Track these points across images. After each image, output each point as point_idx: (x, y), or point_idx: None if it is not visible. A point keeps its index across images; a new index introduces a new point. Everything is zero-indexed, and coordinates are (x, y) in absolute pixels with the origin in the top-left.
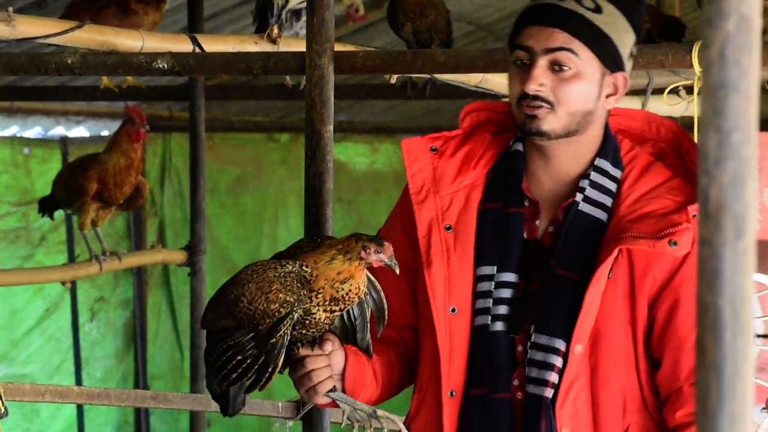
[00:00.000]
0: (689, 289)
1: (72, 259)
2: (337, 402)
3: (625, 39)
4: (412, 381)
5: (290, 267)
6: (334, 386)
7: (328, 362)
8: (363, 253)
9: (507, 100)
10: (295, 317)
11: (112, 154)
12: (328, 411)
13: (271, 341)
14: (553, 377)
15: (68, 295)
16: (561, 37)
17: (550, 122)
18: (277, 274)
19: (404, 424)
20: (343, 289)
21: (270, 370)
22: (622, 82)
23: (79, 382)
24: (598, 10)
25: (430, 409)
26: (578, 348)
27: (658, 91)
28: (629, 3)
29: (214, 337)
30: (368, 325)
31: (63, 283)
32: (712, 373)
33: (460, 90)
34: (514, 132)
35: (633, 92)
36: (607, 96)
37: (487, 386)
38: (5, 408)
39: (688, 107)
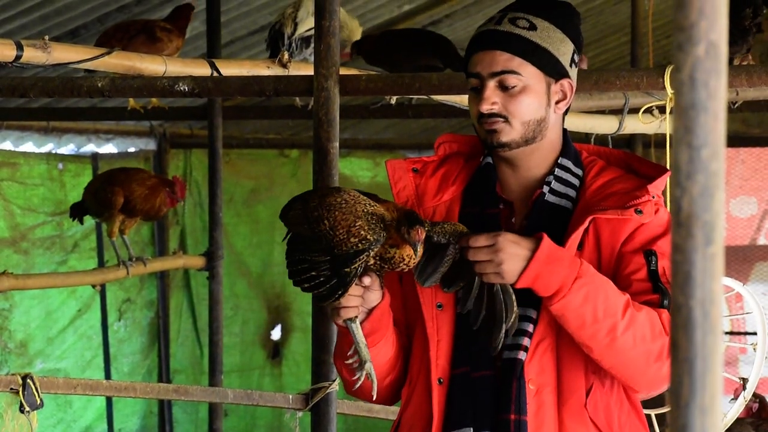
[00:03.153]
0: (636, 241)
1: (102, 264)
2: (349, 330)
3: (562, 49)
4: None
5: (378, 209)
6: (356, 317)
7: (360, 293)
8: (402, 228)
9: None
10: (371, 254)
11: (141, 198)
12: (334, 403)
13: (345, 270)
14: (526, 341)
15: (98, 296)
16: (502, 59)
17: (508, 134)
18: (365, 211)
19: (398, 413)
20: (390, 252)
21: (340, 292)
22: (569, 88)
23: (108, 376)
24: (532, 27)
25: (420, 397)
26: (547, 312)
27: (634, 111)
28: (561, 16)
29: (294, 238)
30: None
31: (94, 286)
32: (684, 368)
33: (455, 109)
34: (480, 158)
35: (611, 112)
36: (557, 102)
37: (468, 365)
38: (41, 399)
39: (661, 125)
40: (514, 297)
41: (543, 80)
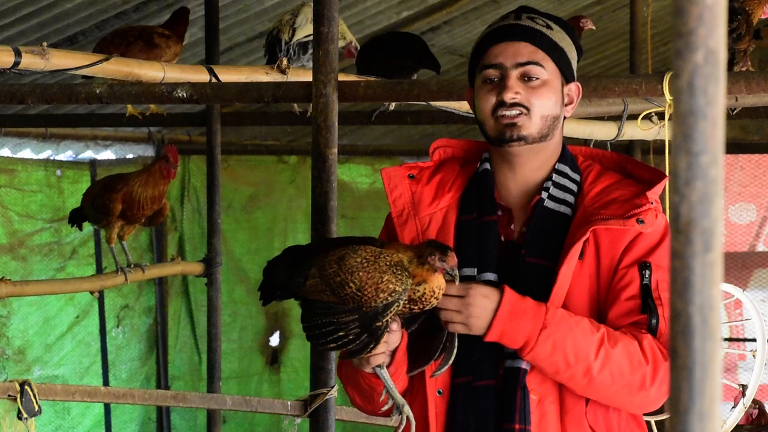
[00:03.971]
0: (633, 253)
1: (100, 270)
2: (380, 378)
3: (572, 53)
4: None
5: (397, 257)
6: (383, 362)
7: (386, 339)
8: (429, 259)
9: (468, 139)
10: (401, 305)
11: (141, 184)
12: (333, 409)
13: (377, 324)
14: None
15: (96, 303)
16: (527, 50)
17: (527, 127)
18: (388, 264)
19: (398, 423)
20: (418, 290)
21: (372, 346)
22: (576, 91)
23: (106, 382)
24: (549, 27)
25: (419, 408)
26: None
27: (633, 117)
28: (566, 24)
29: (314, 305)
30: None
31: (92, 293)
32: (683, 375)
33: (453, 116)
34: (477, 164)
35: (610, 118)
36: (565, 105)
37: (471, 375)
38: (39, 406)
39: (660, 132)
40: (455, 351)
41: (559, 78)
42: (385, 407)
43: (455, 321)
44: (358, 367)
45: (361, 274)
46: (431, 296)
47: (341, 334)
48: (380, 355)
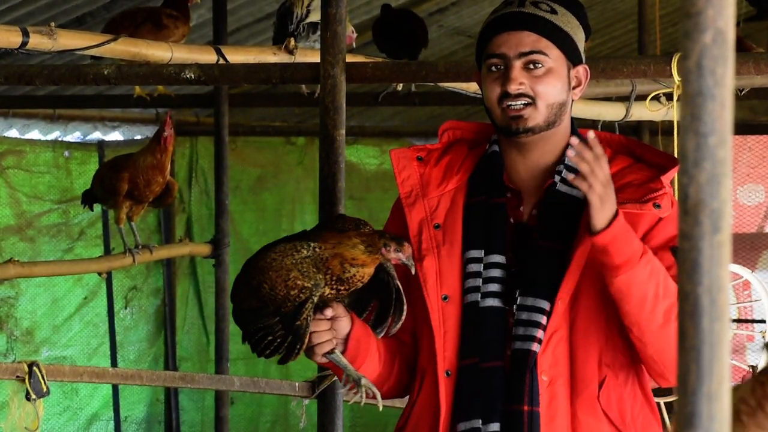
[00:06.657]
0: (660, 237)
1: (108, 251)
2: (334, 362)
3: (579, 35)
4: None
5: (305, 252)
6: (333, 349)
7: (330, 326)
8: (383, 250)
9: (477, 122)
10: (315, 300)
11: (141, 155)
12: (340, 390)
13: (296, 323)
14: (539, 333)
15: (104, 284)
16: (530, 39)
17: (533, 118)
18: (294, 261)
19: (407, 405)
20: (349, 271)
21: (298, 347)
22: (584, 74)
23: (114, 363)
24: (553, 11)
25: (428, 389)
26: (561, 304)
27: (641, 98)
28: (574, 4)
29: (244, 314)
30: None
31: (100, 274)
32: (691, 356)
33: (461, 97)
34: (485, 146)
35: (618, 99)
36: (573, 88)
37: (477, 356)
38: (47, 387)
39: (668, 113)
40: (405, 308)
41: (565, 64)
42: (350, 392)
43: (597, 190)
44: (313, 361)
45: (270, 273)
46: (359, 281)
47: (270, 338)
48: (326, 343)
